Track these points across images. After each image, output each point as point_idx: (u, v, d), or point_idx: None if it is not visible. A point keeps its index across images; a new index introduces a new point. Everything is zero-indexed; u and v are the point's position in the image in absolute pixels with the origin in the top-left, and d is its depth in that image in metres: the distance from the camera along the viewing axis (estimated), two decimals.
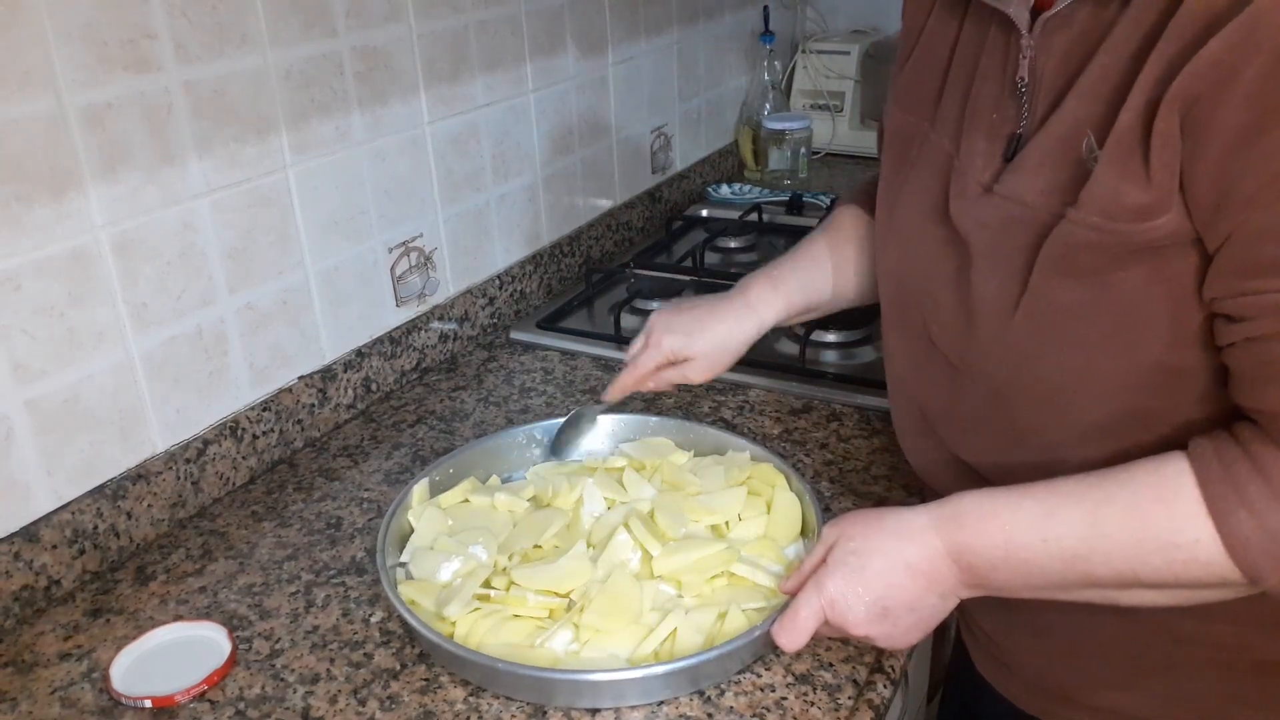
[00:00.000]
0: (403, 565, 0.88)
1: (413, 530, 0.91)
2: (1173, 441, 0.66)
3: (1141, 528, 0.63)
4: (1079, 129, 0.65)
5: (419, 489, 0.94)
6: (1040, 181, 0.68)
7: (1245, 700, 0.77)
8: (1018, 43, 0.70)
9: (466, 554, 0.86)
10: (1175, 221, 0.61)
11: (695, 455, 1.00)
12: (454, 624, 0.80)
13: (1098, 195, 0.63)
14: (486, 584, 0.84)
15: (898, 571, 0.71)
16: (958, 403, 0.80)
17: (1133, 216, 0.62)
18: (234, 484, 1.07)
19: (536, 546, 0.89)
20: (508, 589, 0.83)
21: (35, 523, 0.89)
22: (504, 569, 0.85)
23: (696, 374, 0.98)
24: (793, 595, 0.75)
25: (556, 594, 0.82)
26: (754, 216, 1.75)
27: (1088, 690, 0.82)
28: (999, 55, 0.73)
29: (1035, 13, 0.69)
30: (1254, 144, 0.57)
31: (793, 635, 0.73)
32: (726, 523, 0.90)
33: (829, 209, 1.06)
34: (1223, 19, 0.57)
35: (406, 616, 0.77)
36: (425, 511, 0.92)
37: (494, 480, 1.00)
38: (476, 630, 0.79)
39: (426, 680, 0.79)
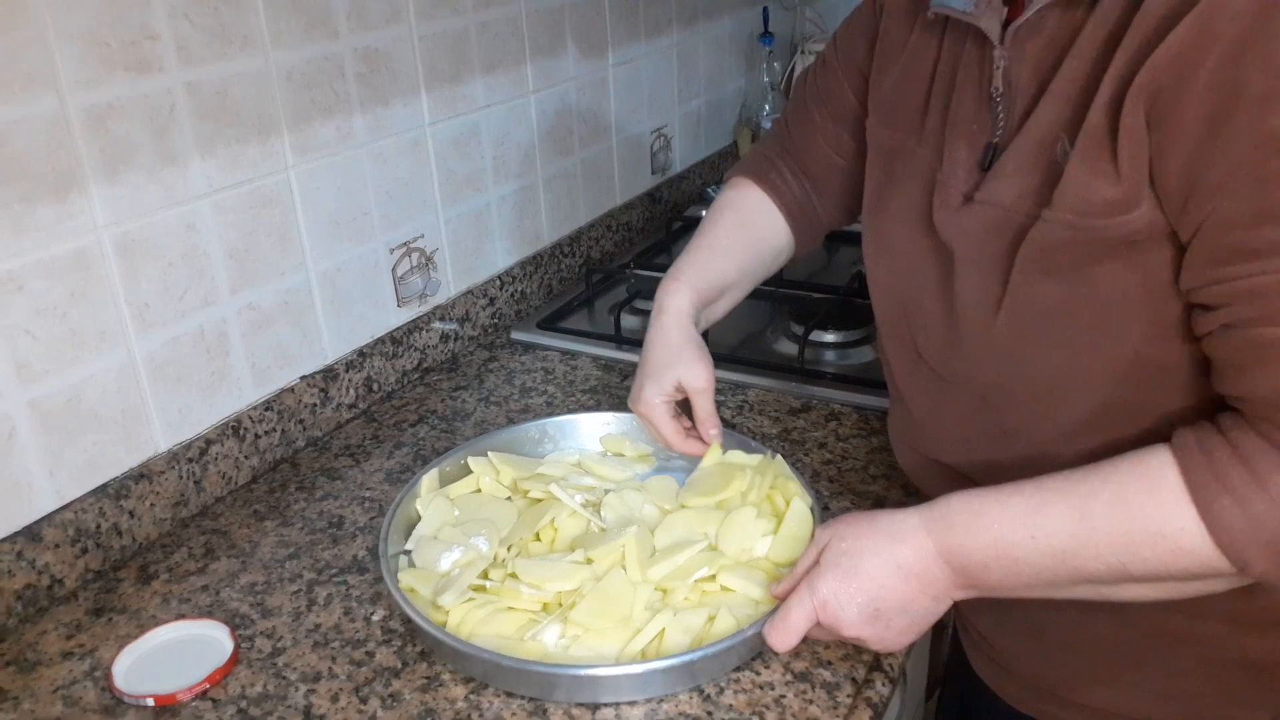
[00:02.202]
0: (407, 553, 0.89)
1: (420, 519, 0.92)
2: (1158, 434, 0.66)
3: (1128, 519, 0.64)
4: (1053, 132, 0.66)
5: (428, 479, 0.94)
6: (1017, 185, 0.69)
7: (1236, 698, 0.77)
8: (991, 54, 0.71)
9: (468, 544, 0.87)
10: (1148, 215, 0.62)
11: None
12: (448, 613, 0.81)
13: (1070, 193, 0.64)
14: (484, 575, 0.84)
15: (890, 573, 0.71)
16: (944, 412, 0.81)
17: (1105, 212, 0.63)
18: (236, 483, 1.07)
19: (536, 538, 0.89)
20: (503, 581, 0.83)
21: (38, 522, 0.89)
22: (503, 561, 0.86)
23: (698, 381, 0.94)
24: (783, 598, 0.75)
25: (545, 591, 0.82)
26: None
27: (1081, 689, 0.82)
28: (975, 68, 0.74)
29: (1007, 24, 0.70)
30: (1219, 132, 0.58)
31: (784, 636, 0.73)
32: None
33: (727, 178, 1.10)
34: (1181, 11, 0.58)
35: (402, 604, 0.78)
36: (433, 501, 0.92)
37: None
38: (469, 620, 0.80)
39: (428, 678, 0.80)
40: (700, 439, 0.97)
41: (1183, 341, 0.66)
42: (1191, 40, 0.57)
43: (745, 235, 1.02)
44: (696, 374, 0.94)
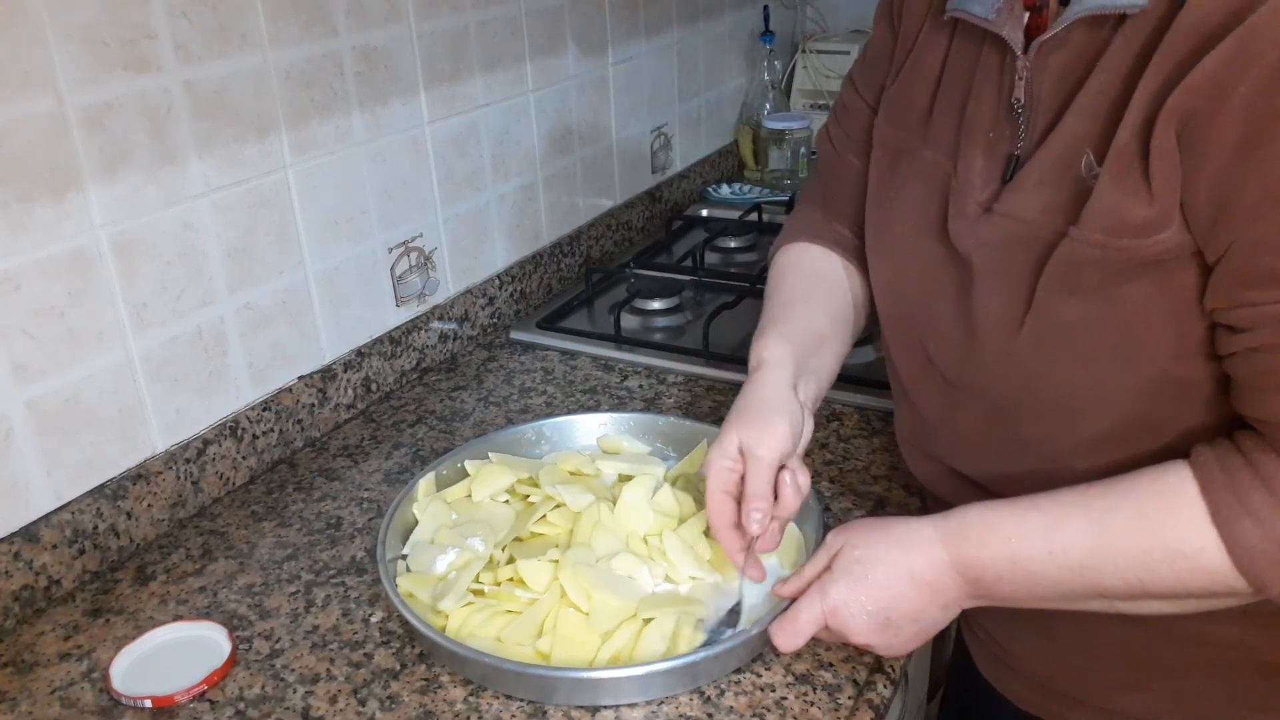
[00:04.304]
0: (404, 558, 0.88)
1: (418, 523, 0.92)
2: (1176, 450, 0.66)
3: (1148, 537, 0.64)
4: (1077, 147, 0.65)
5: (425, 483, 0.94)
6: (1040, 200, 0.68)
7: (1248, 702, 0.77)
8: (1013, 64, 0.70)
9: (464, 545, 0.86)
10: (1178, 235, 0.62)
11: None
12: (447, 616, 0.81)
13: (1100, 212, 0.63)
14: (479, 579, 0.84)
15: (902, 582, 0.71)
16: (955, 418, 0.80)
17: (1136, 232, 0.62)
18: (234, 484, 1.07)
19: (520, 539, 0.89)
20: (498, 583, 0.83)
21: (35, 522, 0.89)
22: (499, 563, 0.86)
23: (760, 446, 0.78)
24: (791, 599, 0.75)
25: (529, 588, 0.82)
26: (754, 216, 1.75)
27: (1090, 691, 0.82)
28: (993, 75, 0.73)
29: (1029, 34, 0.69)
30: (1250, 157, 0.57)
31: (791, 638, 0.73)
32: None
33: (775, 246, 0.99)
34: (1217, 35, 0.57)
35: (402, 609, 0.78)
36: (430, 505, 0.92)
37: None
38: (469, 624, 0.80)
39: (426, 680, 0.79)
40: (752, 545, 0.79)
41: (1207, 359, 0.65)
42: (1227, 63, 0.57)
43: (819, 284, 0.91)
44: (760, 437, 0.77)
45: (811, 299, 0.91)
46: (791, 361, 0.84)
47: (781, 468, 0.79)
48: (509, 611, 0.81)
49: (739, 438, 0.79)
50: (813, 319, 0.89)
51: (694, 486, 0.95)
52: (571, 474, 0.97)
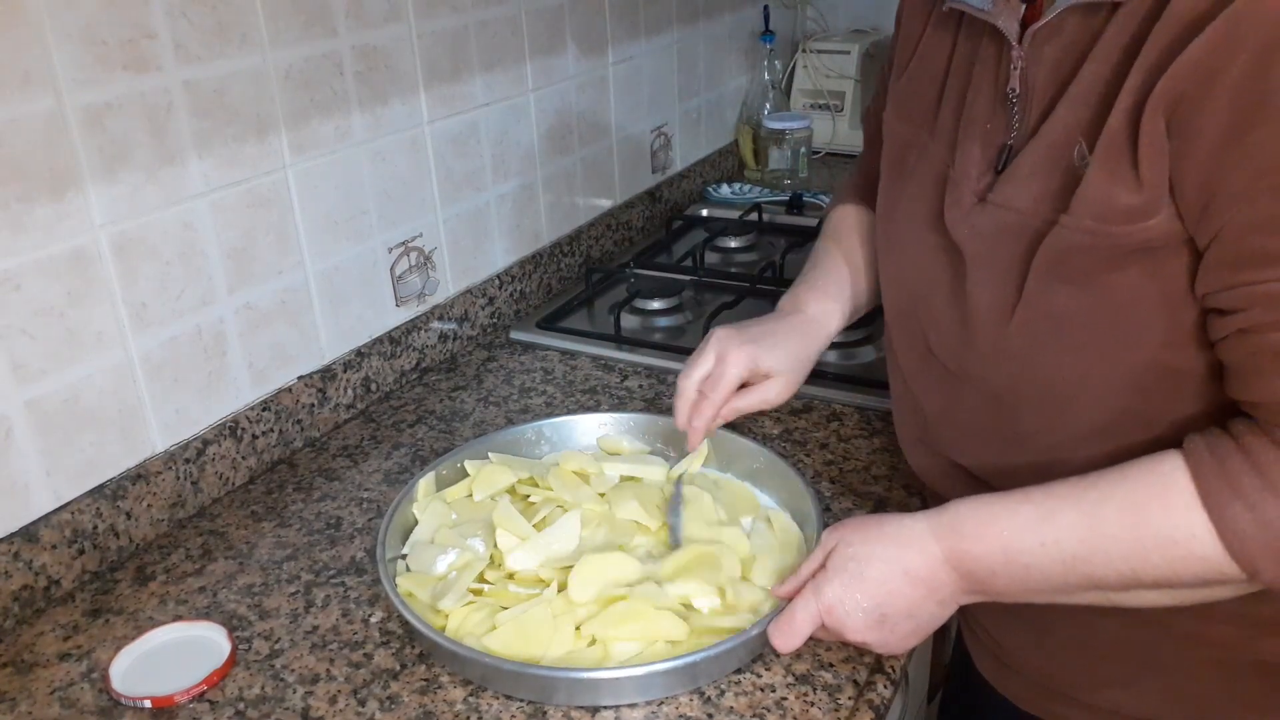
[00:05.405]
0: (404, 558, 0.88)
1: (417, 523, 0.92)
2: (1170, 440, 0.66)
3: (1139, 525, 0.64)
4: (1070, 136, 0.66)
5: (425, 483, 0.94)
6: (1033, 189, 0.68)
7: (1245, 701, 0.77)
8: (1008, 54, 0.71)
9: (464, 546, 0.86)
10: (1167, 222, 0.62)
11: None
12: (447, 616, 0.81)
13: (1089, 199, 0.64)
14: (480, 578, 0.84)
15: (896, 579, 0.71)
16: (956, 409, 0.80)
17: (1125, 218, 0.63)
18: (233, 484, 1.07)
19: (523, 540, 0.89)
20: (501, 580, 0.83)
21: (35, 523, 0.89)
22: (500, 563, 0.86)
23: (777, 394, 0.92)
24: (787, 599, 0.75)
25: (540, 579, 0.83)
26: (754, 216, 1.75)
27: (1088, 689, 0.82)
28: (990, 66, 0.73)
29: (1025, 24, 0.70)
30: (1239, 141, 0.57)
31: (788, 638, 0.73)
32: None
33: (825, 212, 1.07)
34: (1204, 20, 0.58)
35: (402, 609, 0.78)
36: (430, 505, 0.92)
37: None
38: (468, 623, 0.80)
39: (426, 680, 0.79)
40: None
41: (1199, 348, 0.65)
42: (1215, 48, 0.57)
43: (854, 258, 0.99)
44: (784, 393, 0.91)
45: (846, 270, 0.99)
46: (838, 317, 0.96)
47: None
48: (504, 608, 0.80)
49: (752, 361, 0.90)
50: (854, 288, 0.98)
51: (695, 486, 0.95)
52: (575, 474, 0.97)
